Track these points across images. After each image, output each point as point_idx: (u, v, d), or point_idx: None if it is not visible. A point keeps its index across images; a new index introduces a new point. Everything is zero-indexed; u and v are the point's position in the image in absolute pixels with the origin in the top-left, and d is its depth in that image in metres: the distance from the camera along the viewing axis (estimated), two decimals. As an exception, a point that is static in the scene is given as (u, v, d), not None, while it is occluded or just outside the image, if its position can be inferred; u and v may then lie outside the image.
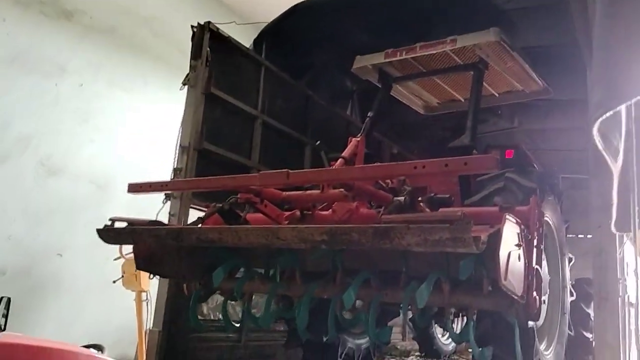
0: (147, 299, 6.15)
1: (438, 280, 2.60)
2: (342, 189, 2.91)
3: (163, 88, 7.27)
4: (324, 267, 3.06)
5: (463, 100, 5.22)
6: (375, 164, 3.03)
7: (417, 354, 5.50)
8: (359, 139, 3.69)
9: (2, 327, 3.55)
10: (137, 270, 6.06)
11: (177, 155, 4.30)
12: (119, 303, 6.32)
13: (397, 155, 7.32)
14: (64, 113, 6.20)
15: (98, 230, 3.03)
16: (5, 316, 3.56)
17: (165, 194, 4.22)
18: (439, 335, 5.38)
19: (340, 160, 3.48)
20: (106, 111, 6.76)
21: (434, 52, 4.36)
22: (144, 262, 3.26)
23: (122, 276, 6.14)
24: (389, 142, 7.19)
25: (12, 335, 3.69)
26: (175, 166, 4.24)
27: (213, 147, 4.51)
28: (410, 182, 3.08)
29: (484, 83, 4.60)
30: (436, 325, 5.10)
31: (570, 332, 3.94)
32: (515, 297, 2.33)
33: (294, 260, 3.09)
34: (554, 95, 4.97)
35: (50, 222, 6.06)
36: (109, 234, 2.98)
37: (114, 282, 6.12)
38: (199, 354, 4.26)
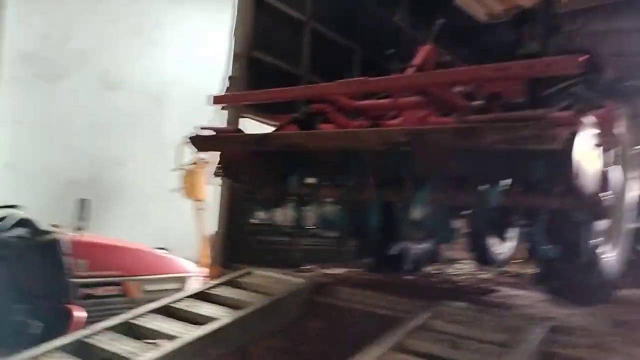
0: (204, 207, 6.53)
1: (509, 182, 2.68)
2: (415, 97, 2.94)
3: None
4: (392, 175, 3.15)
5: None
6: (457, 68, 2.97)
7: (470, 262, 5.55)
8: (428, 46, 3.64)
9: (84, 225, 3.89)
10: (195, 180, 6.44)
11: (229, 64, 4.35)
12: (178, 210, 6.72)
13: (447, 63, 7.11)
14: (119, 27, 6.32)
15: (190, 138, 3.30)
16: (85, 217, 3.88)
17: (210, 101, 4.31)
18: (493, 245, 5.41)
19: (411, 68, 3.38)
20: (159, 24, 6.84)
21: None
22: (225, 170, 3.51)
23: (181, 186, 6.51)
24: (439, 49, 6.96)
25: (92, 235, 4.05)
26: (229, 75, 4.30)
27: (263, 55, 4.53)
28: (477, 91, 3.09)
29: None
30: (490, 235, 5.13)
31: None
32: (586, 197, 2.43)
33: (366, 167, 3.15)
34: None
35: (111, 134, 6.38)
36: (199, 142, 3.25)
37: (173, 191, 6.51)
38: (257, 255, 4.52)
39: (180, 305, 3.28)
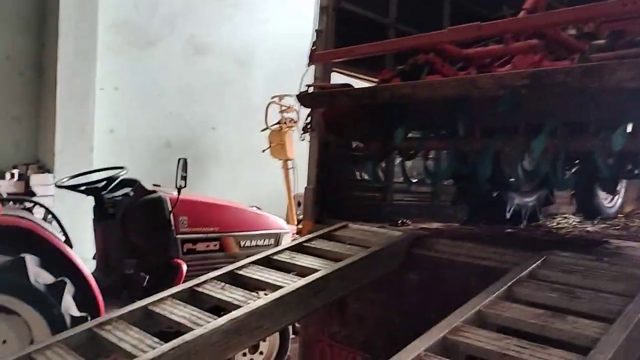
0: (292, 166, 6.60)
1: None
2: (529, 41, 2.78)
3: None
4: (503, 123, 3.05)
5: None
6: (579, 6, 2.60)
7: (578, 217, 5.24)
8: None
9: (184, 184, 4.03)
10: (283, 140, 6.51)
11: (316, 17, 4.27)
12: (266, 170, 6.85)
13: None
14: (204, -9, 6.43)
15: (298, 96, 3.48)
16: (184, 176, 4.01)
17: (309, 59, 4.26)
18: (603, 199, 5.09)
19: (522, 12, 3.13)
20: None
21: None
22: (330, 126, 3.69)
23: (270, 146, 6.61)
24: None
25: (191, 194, 4.19)
26: (316, 28, 4.22)
27: (351, 5, 4.41)
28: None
29: None
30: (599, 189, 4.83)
31: None
32: None
33: (476, 116, 3.07)
34: None
35: (202, 98, 6.56)
36: (307, 99, 3.41)
37: (263, 151, 6.62)
38: (349, 210, 4.50)
39: (281, 257, 3.34)
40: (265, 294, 2.81)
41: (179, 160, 4.13)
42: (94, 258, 4.55)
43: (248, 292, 2.86)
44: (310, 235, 3.69)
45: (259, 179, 7.08)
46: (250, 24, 6.94)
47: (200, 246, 4.37)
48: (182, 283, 3.09)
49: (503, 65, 3.20)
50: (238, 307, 2.65)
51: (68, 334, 2.54)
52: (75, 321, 3.26)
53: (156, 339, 2.37)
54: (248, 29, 6.91)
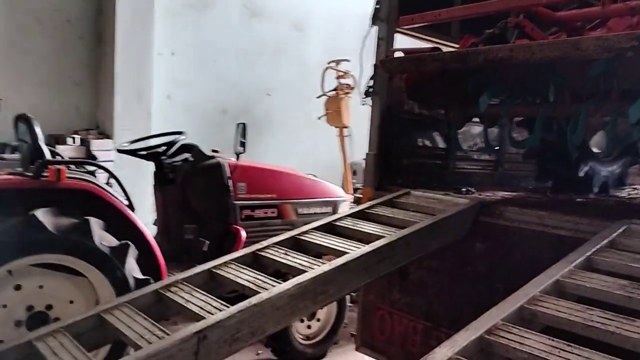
0: (349, 134, 6.47)
1: None
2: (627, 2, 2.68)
3: None
4: (595, 89, 2.91)
5: None
6: None
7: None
8: None
9: (243, 150, 3.99)
10: (340, 106, 6.38)
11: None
12: (322, 137, 6.75)
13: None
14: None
15: (382, 61, 3.51)
16: (243, 142, 3.97)
17: (372, 19, 4.09)
18: None
19: None
20: None
21: None
22: (412, 92, 3.73)
23: (326, 113, 6.49)
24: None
25: (249, 160, 4.15)
26: (379, -9, 4.03)
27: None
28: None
29: None
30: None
31: None
32: None
33: (567, 81, 2.98)
34: None
35: (257, 63, 6.47)
36: (394, 63, 3.48)
37: (319, 118, 6.51)
38: (411, 177, 4.37)
39: (343, 223, 3.26)
40: (329, 260, 2.75)
41: (238, 125, 4.09)
42: (154, 223, 4.61)
43: (311, 257, 2.81)
44: (372, 202, 3.60)
45: (314, 147, 7.00)
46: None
47: (258, 213, 4.35)
48: (242, 249, 3.04)
49: (595, 29, 3.08)
50: (303, 272, 2.60)
51: (135, 295, 2.55)
52: (139, 284, 3.30)
53: (222, 302, 2.36)
54: (304, -7, 6.77)
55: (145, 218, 4.47)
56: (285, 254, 2.90)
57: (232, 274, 2.72)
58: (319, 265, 2.64)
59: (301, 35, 6.85)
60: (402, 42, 4.20)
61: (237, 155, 4.12)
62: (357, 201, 4.65)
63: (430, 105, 4.05)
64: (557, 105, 3.13)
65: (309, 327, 4.55)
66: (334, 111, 6.23)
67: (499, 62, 2.80)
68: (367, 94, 4.16)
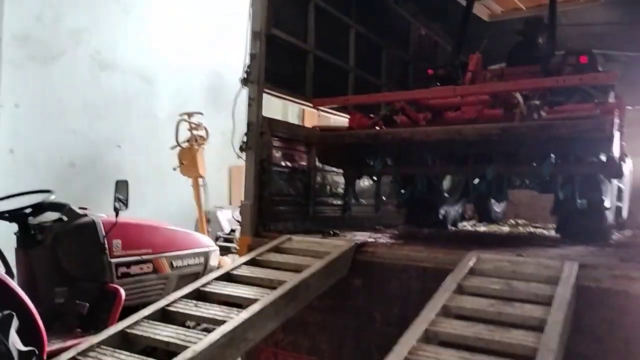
0: (203, 183, 6.62)
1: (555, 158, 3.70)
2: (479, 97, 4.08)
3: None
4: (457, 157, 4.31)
5: (524, 9, 6.10)
6: (527, 80, 4.18)
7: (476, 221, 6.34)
8: (477, 55, 4.59)
9: (126, 207, 3.95)
10: (194, 158, 6.50)
11: (249, 41, 4.45)
12: (173, 188, 6.77)
13: (425, 36, 7.49)
14: (109, 6, 6.20)
15: (307, 136, 4.64)
16: (120, 199, 3.94)
17: (241, 80, 4.43)
18: (493, 205, 6.22)
19: (469, 73, 4.39)
20: (148, 3, 6.74)
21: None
22: (322, 157, 4.67)
23: (181, 164, 6.55)
24: (416, 23, 7.28)
25: (123, 216, 4.12)
26: (250, 52, 4.41)
27: (278, 32, 4.68)
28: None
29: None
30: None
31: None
32: (614, 163, 3.60)
33: (436, 152, 4.20)
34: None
35: (107, 115, 6.31)
36: (315, 138, 4.49)
37: (174, 169, 6.55)
38: (279, 223, 4.73)
39: (241, 272, 3.48)
40: (238, 309, 2.94)
41: (117, 182, 4.05)
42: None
43: (224, 307, 2.97)
44: (260, 250, 3.85)
45: (165, 197, 6.95)
46: (154, 40, 6.82)
47: (134, 269, 4.29)
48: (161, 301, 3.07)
49: (453, 112, 4.24)
50: (222, 322, 2.76)
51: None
52: (22, 356, 3.08)
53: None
54: (152, 45, 6.79)
55: None
56: (196, 306, 3.02)
57: (150, 331, 2.77)
58: (237, 314, 2.83)
59: (150, 88, 6.84)
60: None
61: (117, 212, 4.05)
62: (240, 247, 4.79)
63: (334, 166, 5.04)
64: (430, 168, 4.30)
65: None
66: (189, 162, 6.33)
67: (402, 140, 3.92)
68: (241, 148, 4.46)
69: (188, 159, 6.32)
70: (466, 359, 2.32)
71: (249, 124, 4.45)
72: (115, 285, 4.08)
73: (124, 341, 2.76)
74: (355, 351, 3.84)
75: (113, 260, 4.15)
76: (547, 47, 4.97)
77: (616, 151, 3.60)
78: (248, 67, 4.41)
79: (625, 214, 5.59)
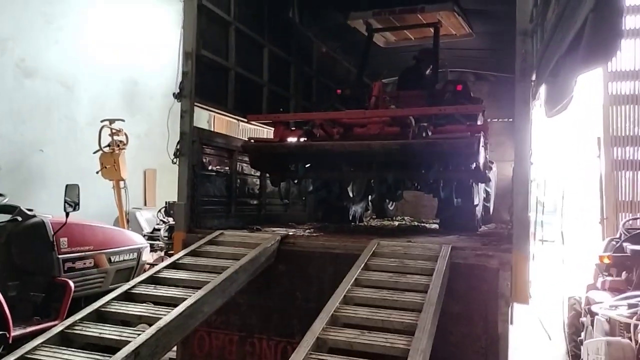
0: (124, 186, 7.04)
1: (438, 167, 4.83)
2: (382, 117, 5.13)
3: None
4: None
5: (413, 39, 7.13)
6: (420, 108, 5.22)
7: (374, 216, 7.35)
8: (379, 83, 5.63)
9: (77, 208, 4.42)
10: (116, 162, 6.90)
11: (181, 60, 5.05)
12: (93, 190, 7.11)
13: (325, 52, 8.43)
14: (32, 16, 6.41)
15: (243, 146, 5.31)
16: (69, 202, 4.41)
17: (175, 95, 5.03)
18: (387, 204, 7.40)
19: (373, 98, 5.41)
20: (69, 14, 7.00)
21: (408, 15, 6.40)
22: (254, 164, 5.47)
23: (103, 167, 6.92)
24: (318, 42, 8.19)
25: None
26: (183, 70, 5.02)
27: (206, 52, 5.33)
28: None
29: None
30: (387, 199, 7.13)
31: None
32: (481, 171, 4.75)
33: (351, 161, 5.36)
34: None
35: (31, 120, 6.54)
36: (252, 147, 5.20)
37: (97, 172, 6.90)
38: (207, 220, 5.39)
39: (187, 261, 4.12)
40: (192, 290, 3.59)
41: (67, 186, 4.50)
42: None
43: (180, 288, 3.61)
44: (198, 243, 4.50)
45: (85, 199, 7.21)
46: (75, 48, 7.09)
47: (78, 264, 4.75)
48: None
49: (361, 128, 5.18)
50: (184, 299, 3.41)
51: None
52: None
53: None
54: (73, 53, 7.05)
55: None
56: (155, 289, 3.64)
57: (122, 309, 3.35)
58: (194, 293, 3.49)
59: (70, 94, 7.10)
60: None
61: (67, 213, 4.50)
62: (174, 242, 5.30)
63: (265, 172, 5.92)
64: (343, 173, 5.43)
65: None
66: (111, 165, 6.72)
67: (325, 152, 4.90)
68: (175, 155, 5.07)
69: (110, 162, 6.71)
70: (376, 313, 3.19)
71: (182, 134, 5.07)
72: (64, 279, 4.53)
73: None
74: (280, 325, 4.62)
75: (61, 256, 4.59)
76: (432, 75, 6.10)
77: (482, 162, 4.78)
78: (181, 84, 5.03)
79: (491, 210, 6.93)
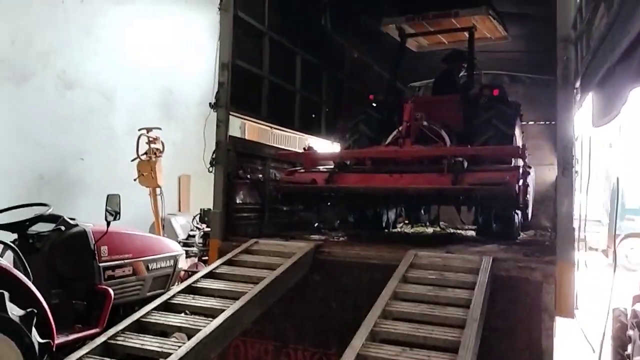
0: (160, 193, 7.14)
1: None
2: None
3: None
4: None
5: (447, 43, 7.01)
6: (450, 147, 5.20)
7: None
8: (410, 104, 5.37)
9: (118, 217, 4.49)
10: (153, 170, 7.00)
11: (217, 70, 5.10)
12: (131, 197, 7.22)
13: (357, 58, 8.41)
14: (72, 29, 6.59)
15: (276, 187, 5.46)
16: (110, 211, 4.48)
17: (211, 105, 5.08)
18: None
19: (405, 123, 5.24)
20: (107, 25, 7.17)
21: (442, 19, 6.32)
22: (286, 202, 5.87)
23: (140, 175, 7.03)
24: (350, 47, 8.17)
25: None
26: (219, 80, 5.07)
27: (241, 62, 5.37)
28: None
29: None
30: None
31: None
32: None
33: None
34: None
35: (71, 130, 6.70)
36: (283, 189, 5.37)
37: (135, 180, 7.02)
38: (242, 228, 5.42)
39: (224, 270, 4.15)
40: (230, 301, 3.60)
41: (108, 196, 4.58)
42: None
43: (218, 298, 3.63)
44: (234, 252, 4.51)
45: (123, 206, 7.34)
46: (112, 59, 7.26)
47: (118, 272, 4.82)
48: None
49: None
50: (222, 310, 3.42)
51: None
52: (41, 347, 3.61)
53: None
54: (111, 64, 7.23)
55: None
56: (194, 299, 3.66)
57: (161, 320, 3.38)
58: (232, 304, 3.50)
59: (109, 105, 7.26)
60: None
61: (108, 222, 4.58)
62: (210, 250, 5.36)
63: (296, 203, 6.14)
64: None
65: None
66: (148, 173, 6.82)
67: (359, 193, 5.08)
68: (211, 163, 5.12)
69: (147, 170, 6.81)
70: (417, 329, 3.13)
71: (217, 143, 5.12)
72: (105, 286, 4.60)
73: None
74: (316, 335, 4.60)
75: (101, 264, 4.66)
76: (468, 79, 5.99)
77: (522, 199, 4.64)
78: (217, 94, 5.07)
79: (529, 217, 6.74)
